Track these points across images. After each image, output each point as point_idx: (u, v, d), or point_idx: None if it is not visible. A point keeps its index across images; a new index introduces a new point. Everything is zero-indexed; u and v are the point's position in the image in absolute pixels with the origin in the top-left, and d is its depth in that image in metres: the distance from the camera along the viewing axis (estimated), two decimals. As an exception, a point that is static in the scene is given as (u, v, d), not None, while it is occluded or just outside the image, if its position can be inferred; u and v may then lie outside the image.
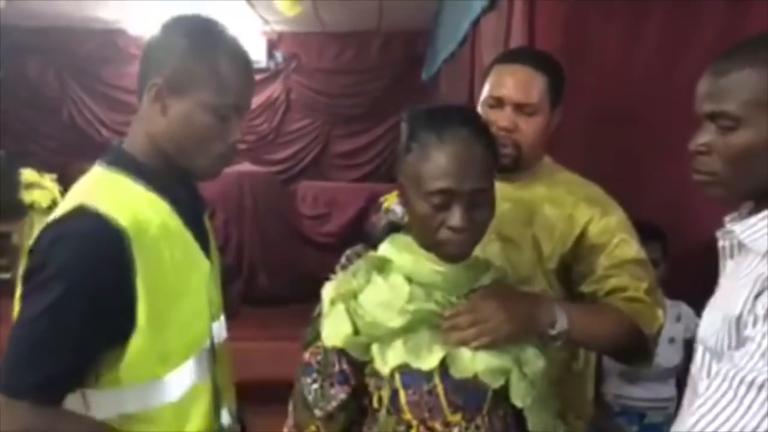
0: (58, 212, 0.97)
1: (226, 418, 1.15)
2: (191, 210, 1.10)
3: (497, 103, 1.29)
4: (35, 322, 0.92)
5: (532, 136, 1.29)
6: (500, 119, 1.26)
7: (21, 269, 0.96)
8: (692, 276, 1.82)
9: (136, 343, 0.96)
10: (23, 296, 0.94)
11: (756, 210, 0.94)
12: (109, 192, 0.99)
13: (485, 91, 1.34)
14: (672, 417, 1.94)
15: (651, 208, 1.93)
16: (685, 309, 2.00)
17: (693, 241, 1.93)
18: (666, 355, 1.96)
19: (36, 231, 0.98)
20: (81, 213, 0.94)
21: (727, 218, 1.02)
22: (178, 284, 1.03)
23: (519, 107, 1.28)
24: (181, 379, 1.03)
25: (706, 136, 0.95)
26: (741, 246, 0.95)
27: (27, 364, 0.93)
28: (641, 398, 1.98)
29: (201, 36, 1.05)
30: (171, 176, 1.08)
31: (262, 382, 2.88)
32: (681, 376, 1.97)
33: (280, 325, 3.99)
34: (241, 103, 1.09)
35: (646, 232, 1.85)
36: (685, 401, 1.05)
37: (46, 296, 0.91)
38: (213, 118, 1.04)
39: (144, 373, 0.99)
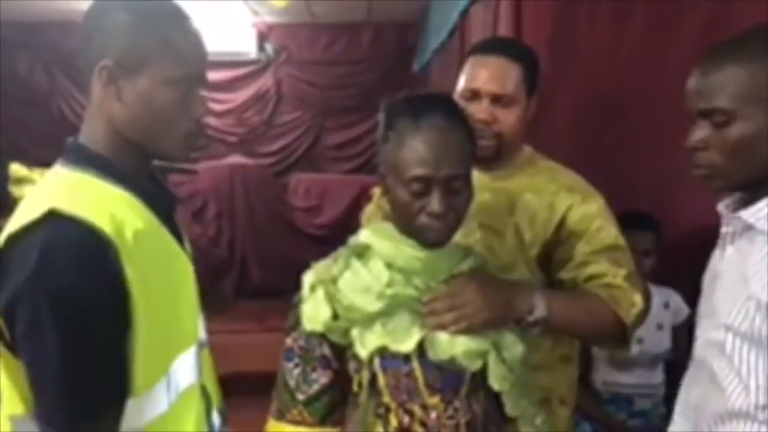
0: (21, 219, 0.86)
1: (217, 419, 1.12)
2: (162, 205, 1.03)
3: (473, 95, 1.29)
4: (60, 357, 0.85)
5: (511, 126, 1.30)
6: (478, 111, 1.26)
7: None
8: (681, 264, 1.85)
9: (139, 351, 0.91)
10: (30, 330, 0.84)
11: (754, 196, 0.98)
12: (80, 195, 0.91)
13: (461, 83, 1.34)
14: (659, 403, 1.98)
15: (640, 198, 1.95)
16: (673, 295, 2.01)
17: (682, 230, 1.95)
18: (654, 342, 1.98)
19: None
20: (55, 219, 0.85)
21: (720, 206, 1.05)
22: (165, 286, 0.98)
23: (495, 98, 1.28)
24: (177, 385, 0.99)
25: (701, 132, 0.99)
26: (744, 231, 0.98)
27: (74, 402, 0.87)
28: (630, 384, 2.00)
29: (143, 7, 0.96)
30: (139, 170, 1.01)
31: (258, 373, 2.89)
32: (669, 361, 2.00)
33: (274, 317, 3.99)
34: (200, 73, 1.02)
35: (639, 221, 1.88)
36: (687, 381, 1.08)
37: (55, 322, 0.84)
38: (174, 93, 0.96)
39: (148, 379, 0.94)
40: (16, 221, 0.88)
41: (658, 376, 2.01)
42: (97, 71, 0.95)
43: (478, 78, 1.30)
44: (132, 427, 0.92)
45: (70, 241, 0.85)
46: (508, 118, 1.29)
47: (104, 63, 0.94)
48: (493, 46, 1.38)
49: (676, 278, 2.01)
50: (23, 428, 0.91)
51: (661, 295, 1.98)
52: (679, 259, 1.89)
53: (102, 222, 0.87)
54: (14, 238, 0.86)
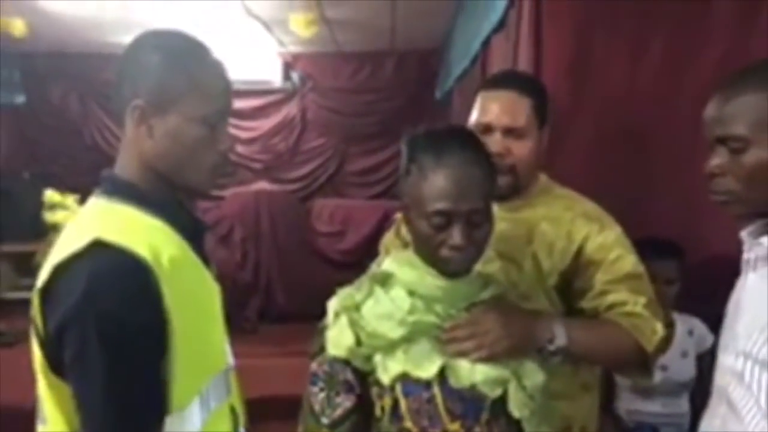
0: (66, 249, 0.92)
1: None
2: (192, 232, 1.08)
3: (486, 129, 1.32)
4: (107, 378, 0.89)
5: (525, 158, 1.33)
6: (491, 145, 1.27)
7: (38, 306, 0.93)
8: (704, 292, 1.84)
9: (175, 372, 0.96)
10: (78, 353, 0.89)
11: None
12: (120, 224, 0.96)
13: (473, 118, 1.37)
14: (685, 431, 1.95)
15: (660, 227, 1.95)
16: (697, 323, 2.00)
17: (704, 258, 1.94)
18: (679, 370, 1.96)
19: None
20: (100, 249, 0.90)
21: (743, 233, 1.06)
22: (198, 310, 1.03)
23: (508, 132, 1.31)
24: (208, 403, 1.03)
25: (718, 158, 1.01)
26: (766, 257, 0.99)
27: (120, 422, 0.92)
28: (654, 413, 1.98)
29: (172, 49, 1.03)
30: (170, 200, 1.06)
31: (281, 398, 2.92)
32: (694, 390, 1.98)
33: (298, 342, 4.00)
34: (225, 108, 1.07)
35: (662, 249, 1.88)
36: (710, 411, 1.08)
37: (102, 346, 0.88)
38: (201, 129, 1.02)
39: (183, 399, 0.98)
40: (61, 251, 0.93)
41: (683, 405, 1.99)
42: (130, 110, 1.01)
43: (489, 112, 1.33)
44: None
45: (115, 268, 0.91)
46: (522, 151, 1.32)
47: (136, 102, 1.00)
48: (503, 80, 1.41)
49: (700, 306, 1.99)
50: None
51: (684, 323, 1.97)
52: (702, 287, 1.88)
53: (142, 250, 0.93)
54: (61, 268, 0.91)
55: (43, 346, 0.95)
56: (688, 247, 1.94)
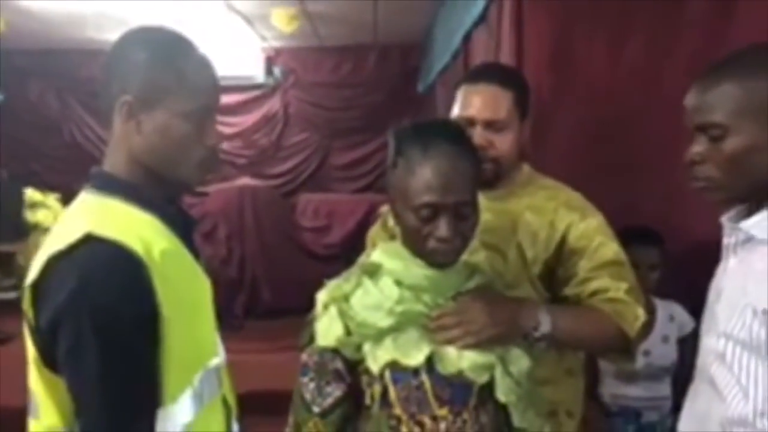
0: (59, 243, 0.92)
1: (236, 428, 1.18)
2: (182, 226, 1.09)
3: (467, 123, 1.33)
4: (101, 369, 0.91)
5: (507, 150, 1.35)
6: (473, 138, 1.28)
7: (30, 301, 0.94)
8: (685, 277, 1.88)
9: (168, 364, 0.97)
10: (72, 345, 0.90)
11: (755, 208, 1.02)
12: (111, 218, 0.97)
13: (455, 111, 1.39)
14: (667, 415, 2.00)
15: (643, 214, 1.99)
16: (678, 309, 2.04)
17: (685, 244, 1.99)
18: (660, 355, 2.00)
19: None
20: (92, 242, 0.91)
21: (723, 218, 1.09)
22: (190, 303, 1.04)
23: (489, 124, 1.33)
24: (201, 396, 1.04)
25: (698, 146, 1.04)
26: (746, 242, 1.02)
27: (114, 412, 0.93)
28: (637, 397, 2.02)
29: (160, 46, 1.04)
30: (160, 195, 1.07)
31: (268, 393, 2.93)
32: (676, 374, 2.02)
33: (284, 337, 4.02)
34: (212, 104, 1.09)
35: (643, 236, 1.92)
36: (693, 392, 1.11)
37: (96, 338, 0.89)
38: (189, 125, 1.03)
39: (176, 390, 0.99)
40: (52, 246, 0.93)
41: (664, 389, 2.03)
42: (119, 106, 1.02)
43: (471, 106, 1.35)
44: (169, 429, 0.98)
45: (107, 261, 0.91)
46: (503, 143, 1.34)
47: (125, 98, 1.01)
48: (484, 73, 1.43)
49: (680, 291, 2.04)
50: None
51: (665, 308, 2.02)
52: (683, 273, 1.93)
53: (133, 243, 0.93)
54: (53, 262, 0.92)
55: (36, 340, 0.96)
56: (669, 234, 1.98)
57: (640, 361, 1.96)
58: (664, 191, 1.98)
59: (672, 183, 1.85)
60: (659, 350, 2.00)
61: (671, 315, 2.04)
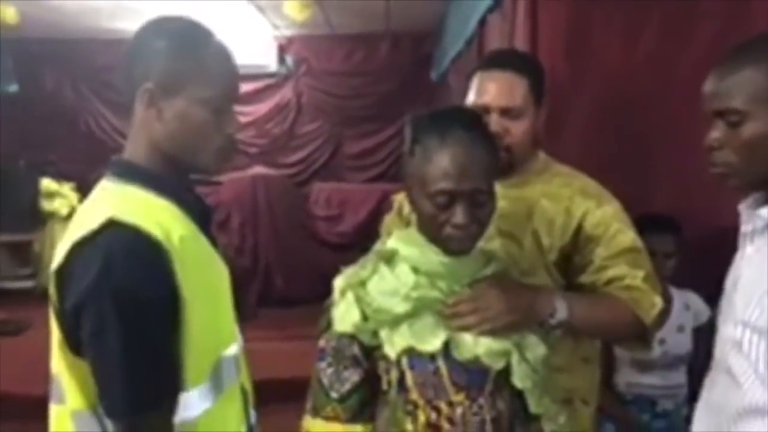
0: (82, 229, 0.94)
1: (253, 417, 1.20)
2: (199, 214, 1.11)
3: (482, 110, 1.32)
4: (124, 352, 0.92)
5: (521, 137, 1.34)
6: (488, 126, 1.28)
7: (55, 286, 0.96)
8: (701, 265, 1.87)
9: (189, 348, 0.99)
10: (96, 327, 0.92)
11: None
12: (132, 205, 0.99)
13: (470, 98, 1.38)
14: (683, 404, 1.99)
15: (659, 201, 1.97)
16: (694, 298, 2.03)
17: (701, 232, 1.97)
18: (676, 343, 1.99)
19: (57, 240, 0.98)
20: (114, 227, 0.93)
21: (741, 205, 1.08)
22: (208, 289, 1.06)
23: (504, 112, 1.32)
24: (220, 382, 1.06)
25: (716, 132, 1.04)
26: (764, 229, 1.02)
27: (136, 394, 0.95)
28: (653, 386, 2.01)
29: (181, 35, 1.06)
30: (178, 182, 1.09)
31: (281, 381, 2.95)
32: (691, 363, 2.01)
33: (297, 326, 4.05)
34: (232, 92, 1.11)
35: (659, 224, 1.90)
36: (710, 381, 1.11)
37: (118, 321, 0.91)
38: (208, 112, 1.05)
39: (197, 375, 1.01)
40: (76, 232, 0.95)
41: (680, 377, 2.03)
42: (140, 93, 1.04)
43: (486, 93, 1.34)
44: (183, 419, 1.00)
45: (129, 246, 0.94)
46: (518, 130, 1.33)
47: (146, 86, 1.03)
48: (498, 60, 1.41)
49: (697, 280, 2.02)
50: (83, 422, 0.99)
51: (681, 297, 2.00)
52: (699, 261, 1.91)
53: (153, 229, 0.96)
54: (77, 248, 0.94)
55: (62, 324, 0.98)
56: (685, 222, 1.97)
57: (656, 350, 1.95)
58: (680, 178, 1.96)
59: (688, 170, 1.83)
60: (675, 339, 1.99)
61: (687, 303, 2.03)
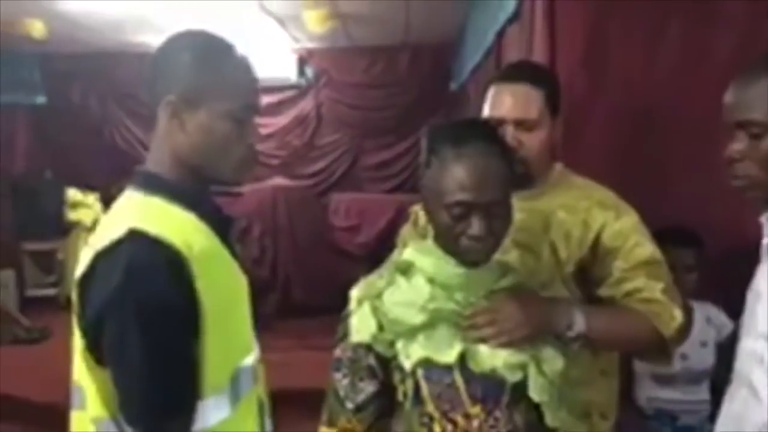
0: (105, 239, 0.96)
1: (269, 425, 1.21)
2: (220, 225, 1.12)
3: (498, 122, 1.32)
4: (145, 361, 0.94)
5: (537, 149, 1.34)
6: (504, 138, 1.28)
7: (77, 294, 0.98)
8: (723, 279, 1.84)
9: (208, 357, 1.00)
10: (117, 336, 0.94)
11: None
12: (153, 215, 1.01)
13: (485, 111, 1.38)
14: (705, 420, 1.95)
15: (678, 214, 1.95)
16: (717, 312, 1.99)
17: (722, 245, 1.94)
18: (699, 358, 1.96)
19: (80, 249, 0.99)
20: (136, 237, 0.95)
21: (763, 217, 1.07)
22: (228, 299, 1.07)
23: (519, 124, 1.32)
24: (238, 391, 1.07)
25: (738, 144, 1.03)
26: None
27: (156, 403, 0.96)
28: (674, 400, 1.98)
29: (202, 48, 1.08)
30: (200, 193, 1.11)
31: (301, 391, 2.96)
32: (714, 378, 1.97)
33: (315, 336, 4.07)
34: (253, 104, 1.13)
35: (681, 237, 1.88)
36: (731, 395, 1.09)
37: (139, 330, 0.93)
38: (230, 124, 1.07)
39: (215, 384, 1.02)
40: (99, 241, 0.97)
41: (702, 393, 1.99)
42: (163, 105, 1.06)
43: (501, 105, 1.34)
44: (200, 427, 1.01)
45: (150, 256, 0.95)
46: (533, 142, 1.33)
47: (169, 98, 1.05)
48: (515, 72, 1.41)
49: (720, 294, 1.99)
50: (104, 429, 1.00)
51: (703, 311, 1.97)
52: (722, 275, 1.88)
53: (174, 239, 0.97)
54: (100, 257, 0.96)
55: (84, 332, 1.00)
56: (707, 235, 1.94)
57: (678, 365, 1.92)
58: (701, 191, 1.94)
59: (709, 182, 1.81)
60: (697, 354, 1.95)
61: (710, 318, 1.99)
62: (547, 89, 1.35)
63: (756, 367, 0.98)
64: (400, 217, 4.95)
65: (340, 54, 5.64)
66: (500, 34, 3.03)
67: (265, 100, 5.57)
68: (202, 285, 0.98)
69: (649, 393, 2.01)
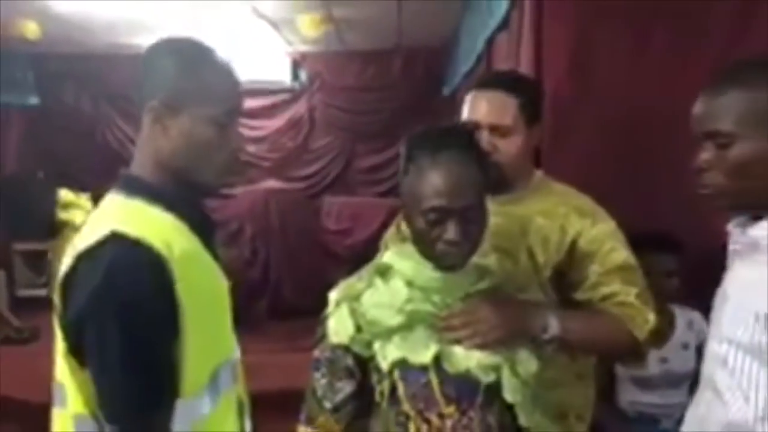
0: (86, 240, 0.98)
1: (248, 425, 1.23)
2: (202, 229, 1.13)
3: (475, 126, 1.36)
4: (124, 360, 0.96)
5: (511, 155, 1.38)
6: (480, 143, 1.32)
7: (59, 296, 0.99)
8: (704, 285, 1.86)
9: (187, 357, 1.02)
10: (97, 337, 0.96)
11: (761, 215, 1.03)
12: (135, 218, 1.02)
13: (463, 116, 1.43)
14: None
15: (662, 219, 1.97)
16: (697, 316, 2.02)
17: (704, 250, 1.96)
18: (680, 361, 1.99)
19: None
20: (117, 239, 0.96)
21: (730, 224, 1.09)
22: (208, 301, 1.09)
23: (494, 129, 1.36)
24: (217, 390, 1.09)
25: (706, 153, 1.05)
26: (751, 248, 1.03)
27: (135, 403, 0.98)
28: (655, 404, 2.00)
29: (185, 55, 1.10)
30: (183, 197, 1.11)
31: (288, 392, 2.96)
32: (694, 381, 2.00)
33: (306, 337, 4.05)
34: (235, 108, 1.14)
35: (661, 242, 1.91)
36: (696, 399, 1.12)
37: (119, 331, 0.95)
38: (212, 129, 1.08)
39: (195, 383, 1.04)
40: (81, 243, 0.99)
41: (683, 396, 2.01)
42: (147, 110, 1.08)
43: (477, 111, 1.39)
44: (180, 427, 1.03)
45: (131, 258, 0.97)
46: (508, 148, 1.37)
47: (152, 103, 1.07)
48: (490, 80, 1.48)
49: (701, 298, 2.01)
50: (83, 426, 1.02)
51: (684, 315, 2.00)
52: (704, 280, 1.90)
53: (155, 242, 0.99)
54: (81, 258, 0.98)
55: (66, 332, 1.01)
56: (689, 241, 1.97)
57: (658, 368, 1.95)
58: (685, 197, 1.94)
59: (693, 189, 1.84)
60: (678, 357, 1.98)
61: (690, 322, 2.02)
62: (523, 98, 1.39)
63: (719, 370, 1.01)
64: (392, 221, 4.95)
65: (333, 58, 5.66)
66: (490, 41, 3.06)
67: (259, 103, 5.60)
68: (182, 286, 1.00)
69: (631, 397, 2.03)
